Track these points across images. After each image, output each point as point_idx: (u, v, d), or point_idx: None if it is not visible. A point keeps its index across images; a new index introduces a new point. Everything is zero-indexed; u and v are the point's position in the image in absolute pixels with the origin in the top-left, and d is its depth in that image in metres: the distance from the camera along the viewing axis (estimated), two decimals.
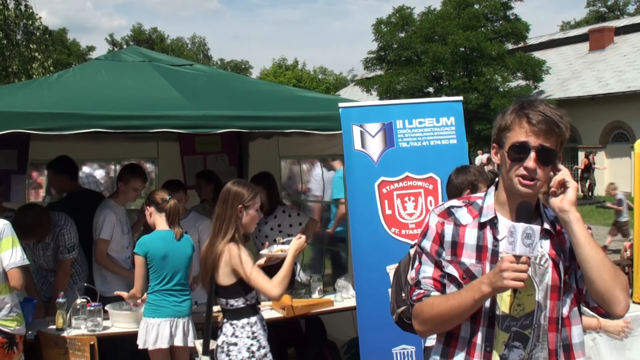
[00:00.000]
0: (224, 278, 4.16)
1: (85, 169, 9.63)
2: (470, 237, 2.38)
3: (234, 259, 4.10)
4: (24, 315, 4.65)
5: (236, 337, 4.17)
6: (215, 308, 5.50)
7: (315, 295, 5.81)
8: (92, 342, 4.70)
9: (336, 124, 5.07)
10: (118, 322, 5.12)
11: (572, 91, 29.11)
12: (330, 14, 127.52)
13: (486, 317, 2.34)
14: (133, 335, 4.86)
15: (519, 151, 2.28)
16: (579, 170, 25.17)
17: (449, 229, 2.42)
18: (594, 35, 32.93)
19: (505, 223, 2.33)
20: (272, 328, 4.73)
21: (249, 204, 4.25)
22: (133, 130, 5.15)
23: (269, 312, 5.34)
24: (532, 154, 2.26)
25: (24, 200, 6.97)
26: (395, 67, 31.94)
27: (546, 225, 2.37)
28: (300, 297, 5.75)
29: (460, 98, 5.19)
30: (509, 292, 2.30)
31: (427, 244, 2.45)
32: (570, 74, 31.12)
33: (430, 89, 31.34)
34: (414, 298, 2.45)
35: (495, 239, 2.35)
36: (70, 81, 5.77)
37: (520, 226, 2.17)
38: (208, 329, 4.27)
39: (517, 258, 2.16)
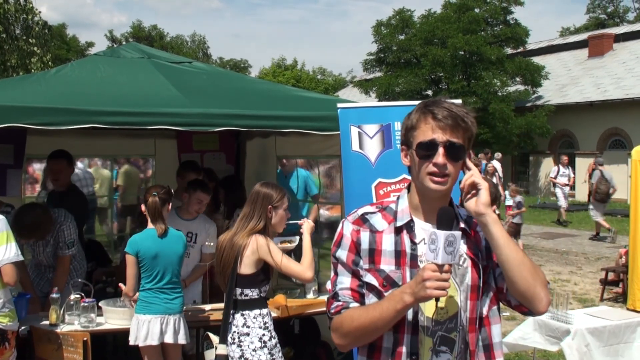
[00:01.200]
0: (247, 267, 4.28)
1: (80, 165, 9.65)
2: (387, 243, 2.32)
3: (263, 249, 4.26)
4: (17, 310, 4.64)
5: (248, 327, 4.26)
6: (208, 307, 5.53)
7: (310, 296, 5.81)
8: (85, 338, 4.69)
9: (334, 124, 5.07)
10: (111, 319, 5.11)
11: (570, 97, 29.14)
12: (331, 14, 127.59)
13: (410, 324, 2.27)
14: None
15: (427, 148, 2.25)
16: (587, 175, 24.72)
17: (365, 236, 2.34)
18: (593, 41, 32.95)
19: (421, 226, 2.31)
20: None
21: (278, 204, 4.43)
22: (130, 127, 5.13)
23: None
24: (441, 150, 2.23)
25: (19, 194, 6.96)
26: (394, 69, 31.94)
27: (462, 225, 2.34)
28: (295, 297, 5.75)
29: (459, 101, 5.17)
30: (433, 302, 2.21)
31: (342, 254, 2.36)
32: (568, 80, 31.14)
33: (429, 92, 31.31)
34: (332, 311, 2.34)
35: (413, 243, 2.29)
36: (68, 76, 5.76)
37: (443, 234, 2.12)
38: (227, 318, 4.30)
39: (440, 267, 2.10)
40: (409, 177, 4.76)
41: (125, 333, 4.89)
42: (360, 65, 34.83)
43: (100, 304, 5.15)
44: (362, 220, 2.38)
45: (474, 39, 28.54)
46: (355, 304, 2.31)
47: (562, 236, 17.35)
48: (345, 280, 2.34)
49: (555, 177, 19.33)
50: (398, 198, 2.41)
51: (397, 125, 4.93)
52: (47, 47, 21.63)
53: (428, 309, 2.27)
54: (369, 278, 2.31)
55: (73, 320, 4.98)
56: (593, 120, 27.42)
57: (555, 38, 41.23)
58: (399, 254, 2.29)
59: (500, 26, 31.21)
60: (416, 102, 5.46)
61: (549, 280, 2.36)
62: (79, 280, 5.53)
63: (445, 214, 2.20)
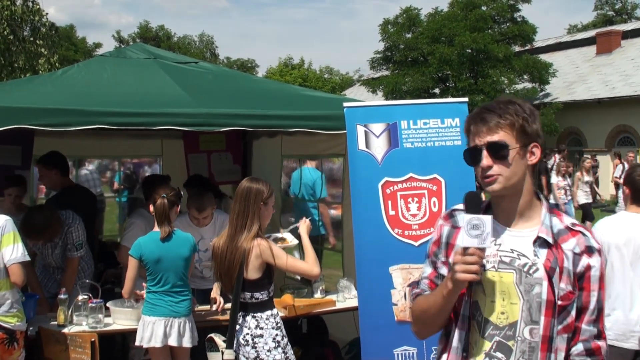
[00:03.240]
0: (253, 272, 4.27)
1: (90, 166, 9.68)
2: (460, 239, 2.32)
3: (266, 252, 4.26)
4: (25, 311, 4.65)
5: (261, 328, 4.28)
6: (205, 307, 5.51)
7: (317, 295, 5.80)
8: (93, 339, 4.70)
9: (340, 123, 5.06)
10: (119, 319, 5.11)
11: (578, 94, 29.04)
12: (338, 13, 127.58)
13: (464, 319, 2.32)
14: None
15: (472, 156, 2.31)
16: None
17: (446, 230, 2.45)
18: (601, 38, 32.81)
19: (495, 227, 2.30)
20: None
21: (268, 200, 4.41)
22: (137, 127, 5.13)
23: None
24: (484, 152, 2.27)
25: (27, 195, 6.97)
26: (401, 68, 31.86)
27: (542, 234, 2.28)
28: (303, 296, 5.74)
29: (465, 99, 5.17)
30: (493, 299, 2.27)
31: (429, 245, 2.50)
32: (576, 77, 31.03)
33: (437, 90, 31.26)
34: (412, 298, 2.50)
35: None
36: (74, 77, 5.76)
37: (466, 217, 2.18)
38: (234, 323, 4.30)
39: (465, 250, 2.17)
40: (416, 176, 4.86)
41: (134, 333, 4.89)
42: (368, 64, 34.77)
43: (108, 304, 5.15)
44: (450, 215, 2.48)
45: (481, 37, 28.44)
46: (429, 292, 2.42)
47: None
48: (427, 270, 2.49)
49: (620, 177, 18.53)
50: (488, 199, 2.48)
51: (404, 124, 4.92)
52: (55, 48, 21.71)
53: (488, 311, 2.30)
54: (444, 270, 2.41)
55: (81, 321, 4.98)
56: (601, 118, 27.30)
57: (562, 35, 41.11)
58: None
59: (508, 24, 31.10)
60: (424, 101, 5.49)
61: None
62: (87, 280, 5.53)
63: (471, 198, 2.27)
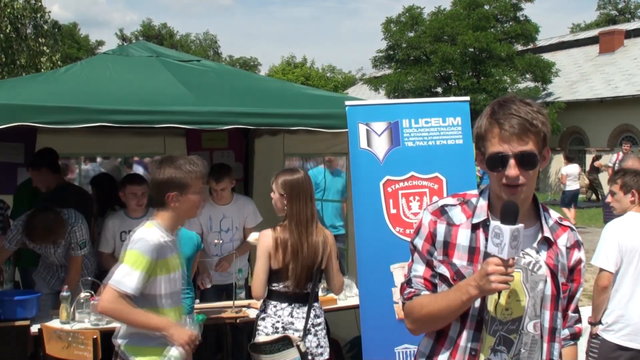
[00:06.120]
0: (325, 262, 4.37)
1: (93, 164, 9.69)
2: (462, 238, 2.34)
3: (333, 247, 4.39)
4: (28, 308, 4.62)
5: (317, 317, 4.39)
6: (227, 303, 5.51)
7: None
8: (95, 336, 4.70)
9: (342, 122, 5.06)
10: None
11: (580, 94, 29.00)
12: (341, 12, 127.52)
13: (474, 319, 2.31)
14: None
15: (498, 162, 2.23)
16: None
17: (441, 228, 2.37)
18: (604, 38, 32.76)
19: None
20: None
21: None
22: (140, 125, 5.14)
23: None
24: (512, 162, 2.20)
25: None
26: (403, 67, 31.84)
27: (547, 234, 2.35)
28: None
29: (467, 98, 5.17)
30: (496, 296, 2.27)
31: (419, 243, 2.42)
32: (579, 77, 30.99)
33: (439, 89, 31.24)
34: (405, 297, 2.45)
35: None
36: (77, 75, 5.76)
37: (508, 229, 2.11)
38: (309, 314, 4.33)
39: (505, 262, 2.12)
40: (418, 175, 4.86)
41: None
42: (370, 62, 34.75)
43: None
44: (441, 211, 2.40)
45: (483, 36, 28.42)
46: (427, 292, 2.39)
47: None
48: (419, 269, 2.42)
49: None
50: (481, 192, 2.41)
51: (405, 123, 4.92)
52: (57, 46, 21.74)
53: (494, 308, 2.30)
54: (442, 269, 2.36)
55: (83, 318, 4.99)
56: (603, 117, 27.27)
57: (565, 34, 41.05)
58: (472, 250, 2.32)
59: (510, 23, 31.08)
60: (425, 100, 5.49)
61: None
62: (89, 278, 5.53)
63: (509, 209, 2.16)
